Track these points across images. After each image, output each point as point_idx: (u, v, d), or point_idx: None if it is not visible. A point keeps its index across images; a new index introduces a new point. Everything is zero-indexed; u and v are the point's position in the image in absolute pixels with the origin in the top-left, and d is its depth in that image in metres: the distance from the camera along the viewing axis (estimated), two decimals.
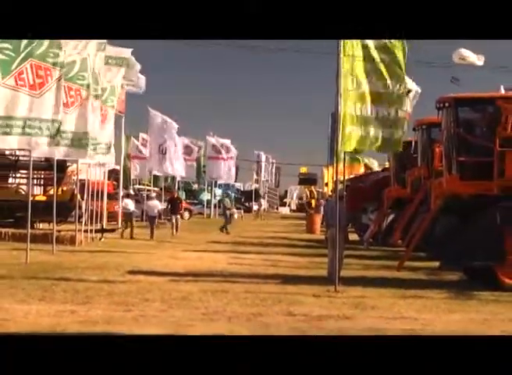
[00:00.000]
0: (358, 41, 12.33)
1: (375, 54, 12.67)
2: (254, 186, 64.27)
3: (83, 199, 21.46)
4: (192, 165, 44.88)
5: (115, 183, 32.54)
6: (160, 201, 29.45)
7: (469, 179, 13.44)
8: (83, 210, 21.15)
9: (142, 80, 28.52)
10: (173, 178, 43.52)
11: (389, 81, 12.87)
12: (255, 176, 66.03)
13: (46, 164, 21.19)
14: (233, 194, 52.79)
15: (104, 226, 23.33)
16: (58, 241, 18.39)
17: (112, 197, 28.58)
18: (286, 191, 78.01)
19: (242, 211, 48.42)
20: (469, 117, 14.50)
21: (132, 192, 31.38)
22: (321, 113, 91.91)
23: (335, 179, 13.70)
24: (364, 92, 12.66)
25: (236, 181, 57.41)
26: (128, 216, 24.09)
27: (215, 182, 47.89)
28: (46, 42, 14.26)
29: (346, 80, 12.34)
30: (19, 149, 18.74)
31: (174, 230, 24.93)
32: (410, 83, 17.97)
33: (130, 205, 24.39)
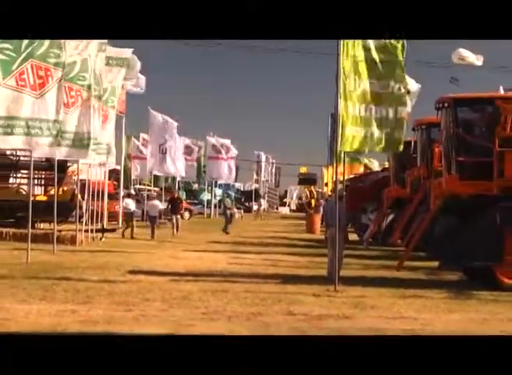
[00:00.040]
0: (358, 41, 12.33)
1: (375, 54, 12.67)
2: (254, 186, 64.29)
3: (83, 199, 21.48)
4: (192, 165, 44.92)
5: (115, 183, 32.56)
6: (160, 201, 29.48)
7: (468, 179, 13.45)
8: (84, 210, 21.17)
9: (142, 80, 28.54)
10: (173, 178, 43.54)
11: (389, 81, 12.88)
12: (255, 176, 66.07)
13: (47, 164, 21.20)
14: (233, 194, 52.82)
15: (105, 226, 23.35)
16: (59, 241, 18.42)
17: (113, 197, 28.61)
18: (286, 191, 78.09)
19: (242, 211, 48.44)
20: (468, 117, 14.51)
21: (133, 192, 31.40)
22: (321, 113, 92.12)
23: (334, 179, 13.71)
24: (364, 92, 12.66)
25: (236, 181, 57.48)
26: (129, 216, 24.12)
27: (215, 182, 47.93)
28: (47, 42, 14.28)
29: (346, 81, 12.34)
30: (20, 149, 18.78)
31: (174, 230, 24.96)
32: (410, 82, 17.97)
33: (131, 204, 24.41)
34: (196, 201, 49.23)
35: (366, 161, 39.01)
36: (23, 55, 14.07)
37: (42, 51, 14.33)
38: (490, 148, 13.07)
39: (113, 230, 23.07)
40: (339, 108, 12.26)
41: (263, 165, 66.43)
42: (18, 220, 21.70)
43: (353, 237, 23.94)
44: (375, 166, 38.12)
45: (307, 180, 47.38)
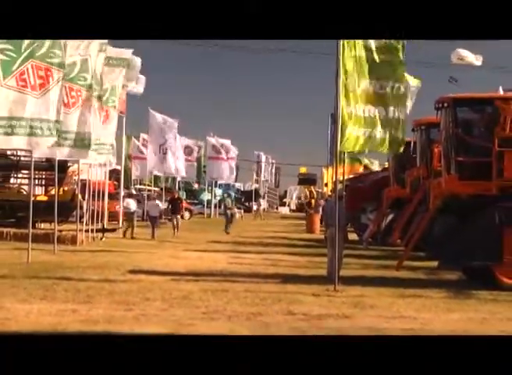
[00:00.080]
0: (359, 41, 12.34)
1: (375, 54, 12.68)
2: (254, 186, 64.32)
3: (84, 199, 21.50)
4: (192, 165, 44.94)
5: (116, 183, 32.56)
6: (161, 201, 29.50)
7: (468, 179, 13.46)
8: (84, 210, 21.19)
9: (142, 80, 28.54)
10: (174, 178, 43.55)
11: (389, 81, 12.88)
12: (255, 177, 66.12)
13: (47, 164, 21.22)
14: (234, 194, 52.81)
15: (105, 226, 23.36)
16: (60, 241, 18.43)
17: (113, 197, 28.61)
18: (286, 191, 78.09)
19: (242, 211, 48.45)
20: (468, 117, 14.51)
21: (134, 192, 31.41)
22: (321, 113, 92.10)
23: (334, 179, 13.72)
24: (364, 92, 12.67)
25: (236, 181, 57.48)
26: (130, 216, 24.13)
27: (216, 182, 47.94)
28: (47, 43, 14.29)
29: (346, 81, 12.35)
30: (21, 149, 18.78)
31: (175, 230, 24.98)
32: (410, 80, 17.98)
33: (132, 204, 24.42)
34: (196, 201, 49.22)
35: (366, 161, 39.00)
36: (24, 56, 14.07)
37: (43, 51, 14.33)
38: (489, 148, 13.08)
39: (113, 230, 23.09)
40: (339, 109, 12.27)
41: (263, 165, 66.47)
42: (19, 220, 21.71)
43: (352, 236, 23.96)
44: (376, 166, 38.11)
45: (307, 181, 47.44)
